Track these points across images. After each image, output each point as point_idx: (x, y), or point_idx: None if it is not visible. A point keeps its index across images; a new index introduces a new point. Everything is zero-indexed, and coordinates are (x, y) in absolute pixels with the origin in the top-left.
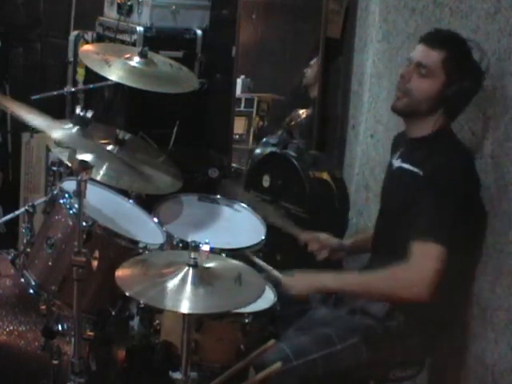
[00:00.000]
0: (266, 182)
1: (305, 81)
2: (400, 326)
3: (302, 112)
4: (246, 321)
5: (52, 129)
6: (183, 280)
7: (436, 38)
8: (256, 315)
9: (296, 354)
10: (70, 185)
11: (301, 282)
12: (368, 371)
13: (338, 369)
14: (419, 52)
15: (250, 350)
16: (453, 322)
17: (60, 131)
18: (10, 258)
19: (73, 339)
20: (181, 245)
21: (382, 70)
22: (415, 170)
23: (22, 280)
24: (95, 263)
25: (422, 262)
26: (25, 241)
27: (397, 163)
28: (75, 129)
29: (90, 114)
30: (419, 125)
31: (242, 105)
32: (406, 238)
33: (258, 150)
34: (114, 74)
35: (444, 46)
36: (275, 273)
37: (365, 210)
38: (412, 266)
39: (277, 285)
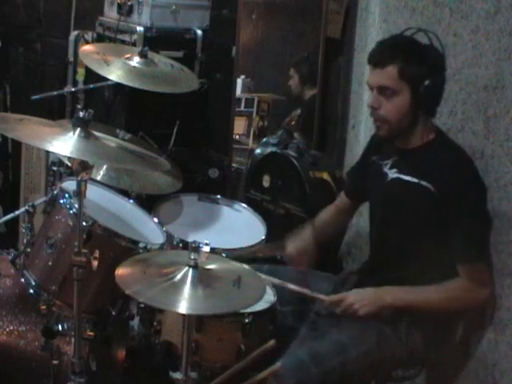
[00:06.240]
0: (266, 182)
1: (294, 91)
2: (406, 325)
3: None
4: (246, 321)
5: (54, 143)
6: (182, 280)
7: (382, 55)
8: (256, 315)
9: (314, 361)
10: (70, 185)
11: (363, 301)
12: (374, 371)
13: (352, 373)
14: (375, 76)
15: (250, 350)
16: (453, 321)
17: (63, 144)
18: (10, 257)
19: (73, 339)
20: (181, 245)
21: None
22: (422, 183)
23: (22, 280)
24: (95, 263)
25: (478, 281)
26: (25, 241)
27: (392, 174)
28: (76, 133)
29: (89, 114)
30: (407, 138)
31: (242, 105)
32: (420, 250)
33: (258, 150)
34: (114, 73)
35: (393, 58)
36: (318, 295)
37: (364, 210)
38: (471, 287)
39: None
